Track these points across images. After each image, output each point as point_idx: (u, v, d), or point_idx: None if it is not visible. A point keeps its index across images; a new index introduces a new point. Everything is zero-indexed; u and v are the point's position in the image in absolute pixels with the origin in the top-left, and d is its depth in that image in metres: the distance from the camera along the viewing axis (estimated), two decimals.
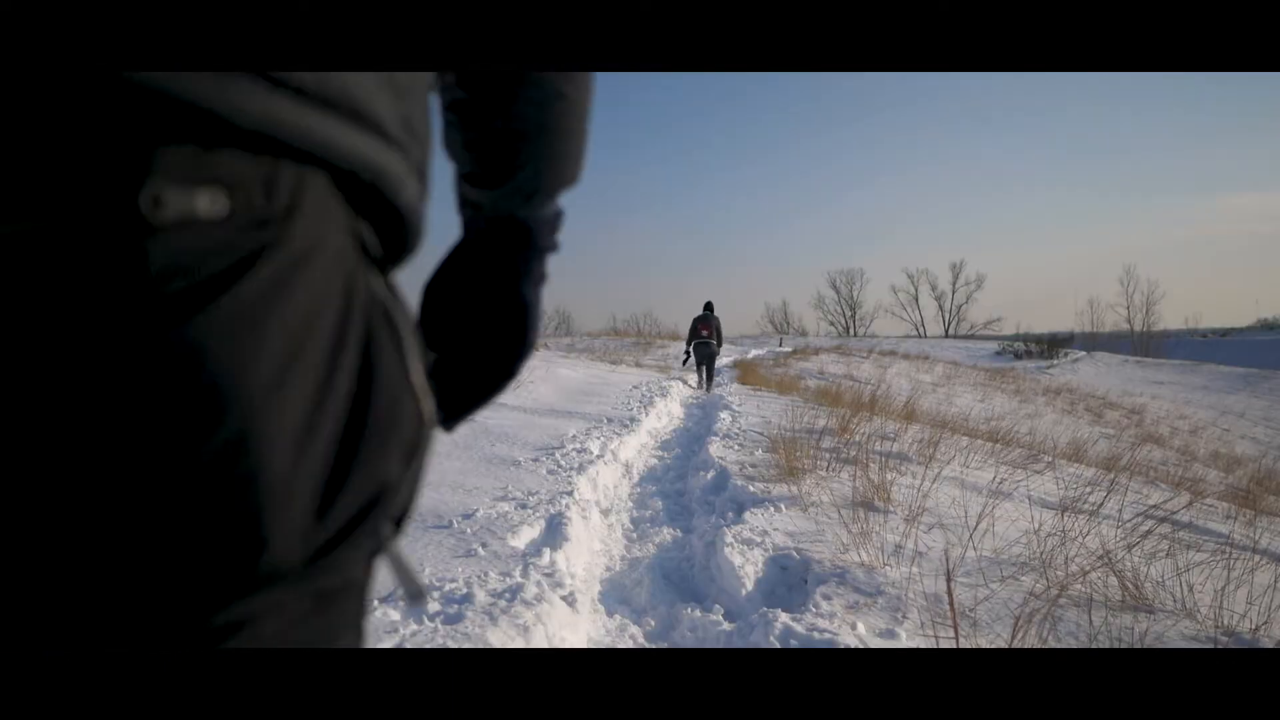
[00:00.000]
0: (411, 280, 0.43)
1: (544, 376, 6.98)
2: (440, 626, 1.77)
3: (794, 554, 2.47)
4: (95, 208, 0.25)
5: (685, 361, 10.50)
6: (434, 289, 0.54)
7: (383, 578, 1.77)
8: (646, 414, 6.08)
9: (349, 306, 0.32)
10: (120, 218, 0.25)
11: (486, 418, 4.77)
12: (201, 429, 0.26)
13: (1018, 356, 29.31)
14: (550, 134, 0.50)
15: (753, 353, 19.66)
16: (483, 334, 0.53)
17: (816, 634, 1.79)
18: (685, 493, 3.86)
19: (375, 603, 1.85)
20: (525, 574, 2.15)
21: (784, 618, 1.88)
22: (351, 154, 0.31)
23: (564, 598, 2.04)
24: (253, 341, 0.27)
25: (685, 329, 10.99)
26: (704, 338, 10.06)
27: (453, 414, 0.53)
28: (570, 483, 3.33)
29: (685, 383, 10.13)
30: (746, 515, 2.93)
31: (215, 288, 0.26)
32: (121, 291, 0.25)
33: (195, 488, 0.27)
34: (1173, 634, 1.88)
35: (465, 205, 0.54)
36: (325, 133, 0.29)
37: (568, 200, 0.57)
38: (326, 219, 0.31)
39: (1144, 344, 41.05)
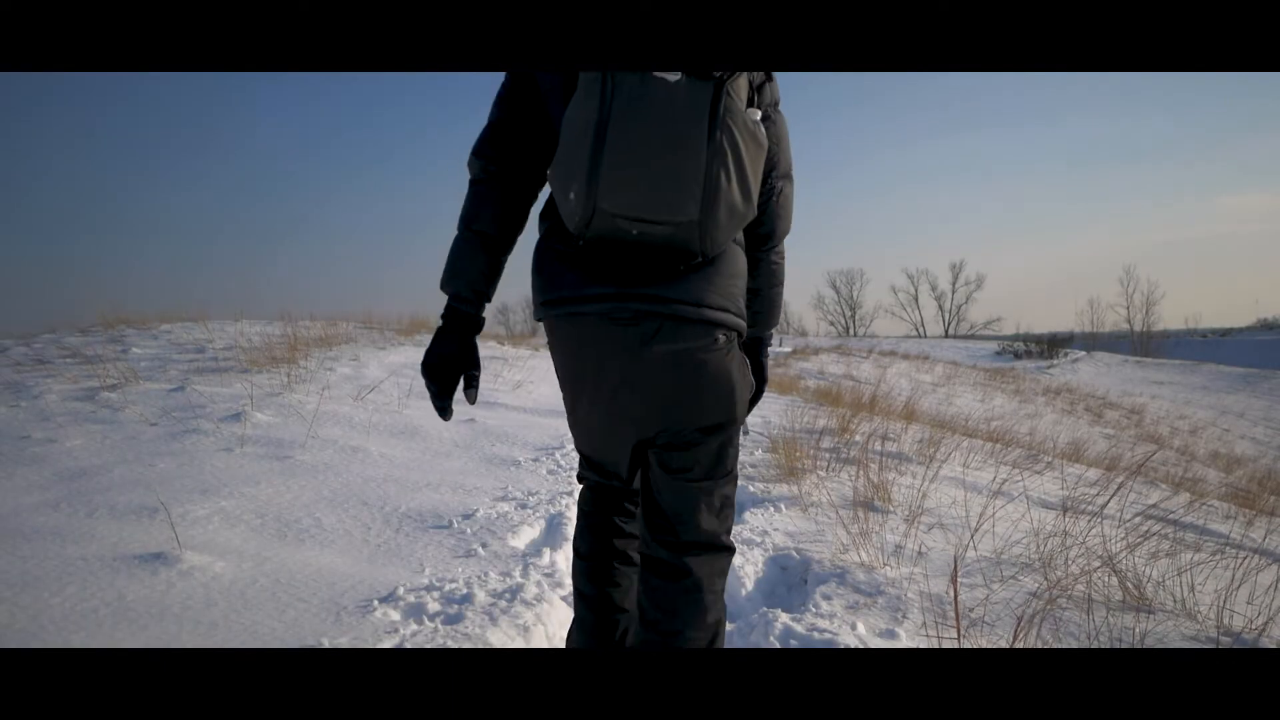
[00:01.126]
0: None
1: (544, 377, 6.95)
2: (440, 627, 1.77)
3: (794, 554, 2.47)
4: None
5: None
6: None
7: (383, 578, 1.74)
8: None
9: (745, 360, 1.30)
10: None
11: (486, 418, 4.77)
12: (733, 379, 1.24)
13: (1018, 356, 29.31)
14: (769, 308, 1.38)
15: None
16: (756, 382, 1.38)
17: (816, 634, 1.80)
18: None
19: (375, 603, 1.85)
20: (525, 574, 2.15)
21: (784, 618, 1.89)
22: (744, 326, 1.23)
23: (564, 598, 2.04)
24: (738, 367, 1.24)
25: None
26: None
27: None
28: (570, 483, 3.33)
29: None
30: (746, 515, 2.93)
31: (734, 348, 1.22)
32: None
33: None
34: (1173, 634, 1.88)
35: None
36: (742, 325, 1.21)
37: None
38: (737, 342, 1.23)
39: (1144, 344, 41.07)
